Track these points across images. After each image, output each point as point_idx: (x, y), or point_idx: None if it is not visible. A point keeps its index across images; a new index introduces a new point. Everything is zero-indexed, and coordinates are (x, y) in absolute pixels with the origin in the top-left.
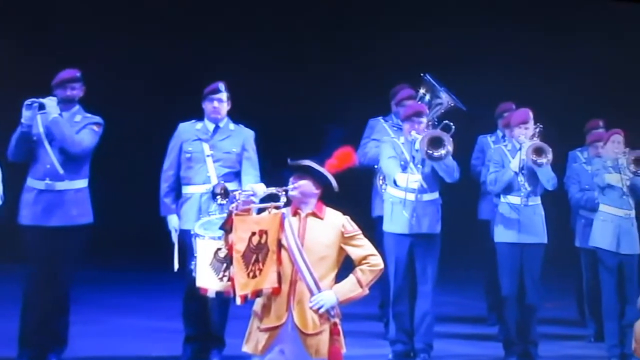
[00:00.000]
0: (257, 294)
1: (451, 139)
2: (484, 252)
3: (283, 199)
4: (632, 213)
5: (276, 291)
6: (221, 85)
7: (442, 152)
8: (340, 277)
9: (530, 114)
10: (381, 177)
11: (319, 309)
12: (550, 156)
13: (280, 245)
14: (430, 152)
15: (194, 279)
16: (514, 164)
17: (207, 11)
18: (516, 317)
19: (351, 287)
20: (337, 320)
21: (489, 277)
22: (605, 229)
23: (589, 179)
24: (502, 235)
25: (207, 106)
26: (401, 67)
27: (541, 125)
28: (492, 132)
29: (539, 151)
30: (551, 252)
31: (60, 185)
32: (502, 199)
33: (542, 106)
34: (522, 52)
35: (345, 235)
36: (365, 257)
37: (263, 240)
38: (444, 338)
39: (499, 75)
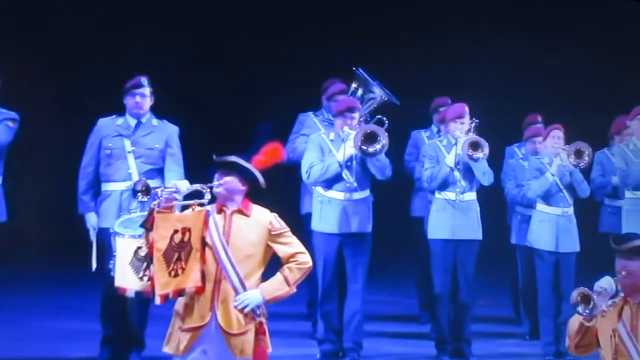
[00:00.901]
0: (179, 293)
1: (386, 134)
2: (417, 250)
3: (208, 196)
4: (570, 210)
5: (199, 290)
6: (144, 80)
7: (378, 146)
8: (267, 275)
9: (466, 109)
10: None
11: (244, 308)
12: (486, 150)
13: (204, 244)
14: (365, 147)
15: (112, 279)
16: (450, 159)
17: (129, 4)
18: (449, 315)
19: (278, 286)
20: (263, 319)
21: (421, 274)
22: (543, 229)
23: (526, 175)
24: (435, 231)
25: (128, 101)
26: (333, 60)
27: (477, 120)
28: (426, 128)
29: (475, 145)
30: (486, 249)
31: None
32: (437, 194)
33: (478, 101)
34: (458, 46)
35: (273, 233)
36: (293, 255)
37: (186, 238)
38: (374, 337)
39: (434, 69)
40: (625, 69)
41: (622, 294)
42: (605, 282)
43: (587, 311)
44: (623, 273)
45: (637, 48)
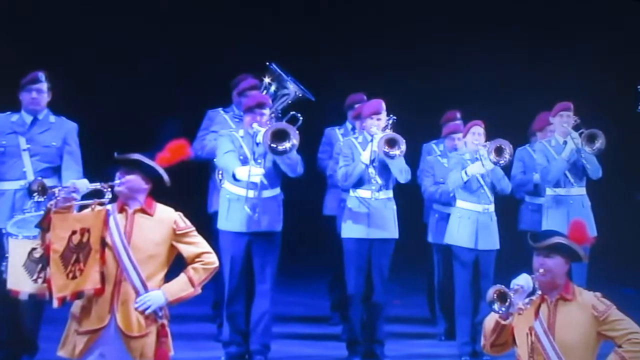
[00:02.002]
0: (78, 295)
1: (297, 132)
2: (329, 249)
3: (108, 195)
4: (491, 207)
5: (99, 292)
6: (41, 75)
7: (287, 145)
8: (171, 276)
9: (383, 105)
10: (220, 172)
11: (146, 309)
12: (403, 147)
13: (104, 244)
14: (274, 145)
15: (4, 281)
16: (365, 156)
17: None
18: (362, 316)
19: (182, 287)
20: (165, 321)
21: (333, 274)
22: (462, 226)
23: (444, 172)
24: (350, 230)
25: (24, 97)
26: (245, 55)
27: (394, 117)
28: (340, 124)
29: (391, 142)
30: (401, 248)
31: None
32: (352, 192)
33: (395, 97)
34: (374, 40)
35: (177, 232)
36: (198, 255)
37: (85, 239)
38: (283, 339)
39: (350, 65)
40: (547, 65)
41: (539, 292)
42: (523, 280)
43: (503, 309)
44: (541, 270)
45: (558, 46)
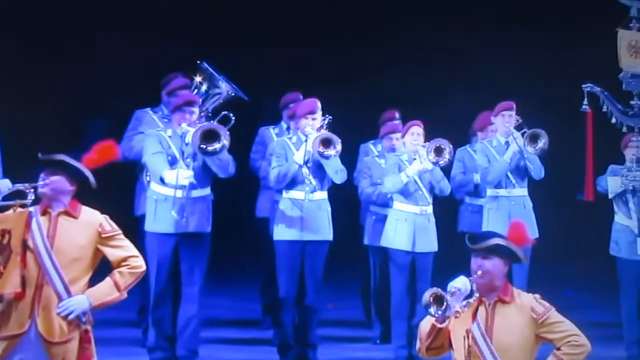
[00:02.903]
0: None
1: (228, 132)
2: (261, 251)
3: (31, 197)
4: (429, 209)
5: (19, 296)
6: None
7: (217, 146)
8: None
9: (318, 104)
10: (148, 174)
11: (69, 315)
12: (339, 147)
13: (25, 247)
14: (204, 146)
15: None
16: (298, 157)
17: None
18: (294, 319)
19: (107, 291)
20: (88, 327)
21: (265, 277)
22: (399, 229)
23: (381, 173)
24: (282, 232)
25: None
26: (176, 54)
27: (330, 117)
28: (275, 124)
29: (326, 142)
30: (336, 250)
31: None
32: (285, 194)
33: (332, 96)
34: (310, 39)
35: (103, 236)
36: (125, 259)
37: (5, 241)
38: (212, 343)
39: (286, 63)
40: (488, 66)
41: (477, 294)
42: (460, 282)
43: (439, 312)
44: (479, 272)
45: (500, 46)
